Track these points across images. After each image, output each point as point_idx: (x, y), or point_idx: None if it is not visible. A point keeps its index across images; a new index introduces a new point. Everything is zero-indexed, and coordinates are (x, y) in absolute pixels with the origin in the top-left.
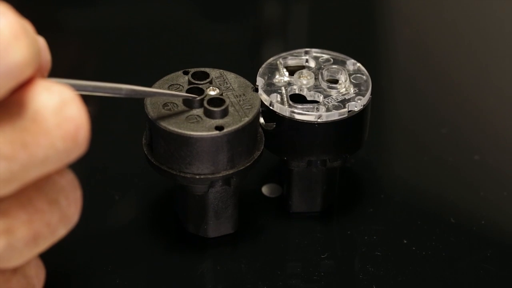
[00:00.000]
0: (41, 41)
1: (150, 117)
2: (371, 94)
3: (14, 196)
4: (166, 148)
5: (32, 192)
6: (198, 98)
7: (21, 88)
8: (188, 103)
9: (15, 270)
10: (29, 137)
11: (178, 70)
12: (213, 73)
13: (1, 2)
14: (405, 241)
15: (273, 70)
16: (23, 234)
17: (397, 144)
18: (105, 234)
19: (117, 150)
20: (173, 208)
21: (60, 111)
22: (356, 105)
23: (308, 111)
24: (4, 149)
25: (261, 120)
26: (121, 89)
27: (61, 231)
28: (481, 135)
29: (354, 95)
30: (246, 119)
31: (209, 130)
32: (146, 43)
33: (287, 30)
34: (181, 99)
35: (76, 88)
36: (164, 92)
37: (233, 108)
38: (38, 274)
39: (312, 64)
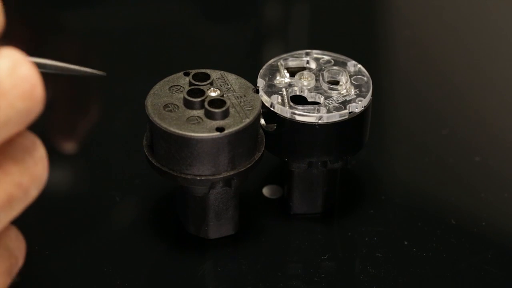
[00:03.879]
0: None
1: (150, 118)
2: (372, 95)
3: None
4: (167, 149)
5: None
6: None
7: None
8: (189, 104)
9: None
10: None
11: (179, 71)
12: (214, 74)
13: None
14: (405, 243)
15: (274, 71)
16: None
17: (398, 146)
18: (106, 235)
19: (118, 151)
20: (173, 209)
21: (13, 72)
22: (357, 107)
23: (308, 113)
24: None
25: (262, 121)
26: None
27: (33, 192)
28: (482, 136)
29: (355, 96)
30: (247, 121)
31: (210, 131)
32: (147, 44)
33: (288, 31)
34: (179, 100)
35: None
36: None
37: (234, 109)
38: (19, 246)
39: (313, 65)
